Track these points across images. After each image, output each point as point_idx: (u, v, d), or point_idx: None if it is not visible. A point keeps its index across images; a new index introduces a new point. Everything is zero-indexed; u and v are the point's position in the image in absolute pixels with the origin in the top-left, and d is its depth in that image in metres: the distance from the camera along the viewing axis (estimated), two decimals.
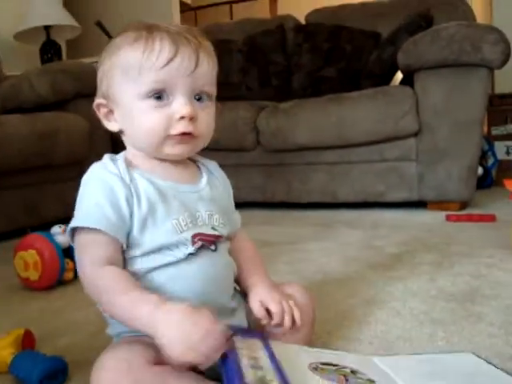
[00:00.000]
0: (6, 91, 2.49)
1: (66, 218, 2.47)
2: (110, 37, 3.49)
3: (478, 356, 0.82)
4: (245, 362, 0.61)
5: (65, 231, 1.43)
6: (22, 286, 1.41)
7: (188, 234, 0.74)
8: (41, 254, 1.34)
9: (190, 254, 0.74)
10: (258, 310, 0.78)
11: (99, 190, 0.72)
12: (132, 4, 4.25)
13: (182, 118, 0.73)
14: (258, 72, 2.91)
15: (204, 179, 0.83)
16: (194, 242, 0.75)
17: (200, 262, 0.75)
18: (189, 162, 0.84)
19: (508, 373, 0.76)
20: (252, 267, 0.86)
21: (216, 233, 0.79)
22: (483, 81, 2.16)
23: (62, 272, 1.37)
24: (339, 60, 2.72)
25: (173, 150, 0.76)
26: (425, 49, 2.15)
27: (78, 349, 0.97)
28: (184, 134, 0.74)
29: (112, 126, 0.80)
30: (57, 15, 3.32)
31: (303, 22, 3.14)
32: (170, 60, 0.72)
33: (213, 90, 0.78)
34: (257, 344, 0.68)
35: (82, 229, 0.71)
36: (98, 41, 3.72)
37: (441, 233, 1.81)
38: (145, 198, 0.73)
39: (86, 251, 0.71)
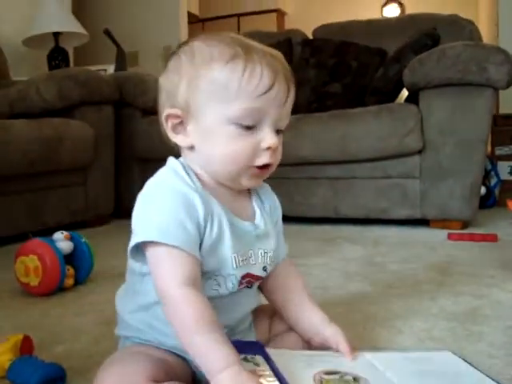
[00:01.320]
0: (13, 96, 2.51)
1: (69, 224, 2.50)
2: (117, 45, 3.52)
3: (455, 354, 0.85)
4: None
5: (69, 238, 1.43)
6: (22, 291, 1.41)
7: (239, 272, 0.72)
8: (42, 259, 1.34)
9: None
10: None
11: (178, 202, 0.67)
12: (140, 14, 4.29)
13: (269, 148, 0.70)
14: None
15: (258, 214, 0.79)
16: (241, 283, 0.74)
17: (233, 298, 0.75)
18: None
19: (485, 374, 0.78)
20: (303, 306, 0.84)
21: (264, 274, 0.78)
22: (488, 101, 2.17)
23: (62, 278, 1.37)
24: (345, 76, 2.73)
25: (249, 182, 0.73)
26: (431, 67, 2.16)
27: (76, 356, 0.97)
28: (265, 165, 0.71)
29: (181, 139, 0.73)
30: (66, 22, 3.34)
31: (310, 36, 3.16)
32: (270, 88, 0.68)
33: (288, 121, 0.76)
34: (258, 358, 0.68)
35: (157, 243, 0.65)
36: (105, 49, 3.76)
37: (442, 251, 1.81)
38: (217, 223, 0.70)
39: (166, 267, 0.66)
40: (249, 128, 0.69)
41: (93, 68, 3.34)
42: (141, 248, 0.68)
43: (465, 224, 2.25)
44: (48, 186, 2.31)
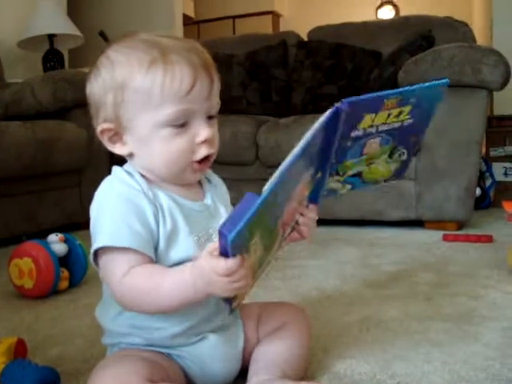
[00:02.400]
0: (8, 98, 2.49)
1: (63, 226, 2.48)
2: None
3: None
4: None
5: (64, 240, 1.43)
6: (16, 294, 1.40)
7: None
8: (36, 262, 1.34)
9: None
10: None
11: (124, 206, 0.69)
12: (135, 15, 4.29)
13: (205, 141, 0.72)
14: (259, 87, 2.92)
15: (207, 193, 0.81)
16: None
17: None
18: None
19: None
20: None
21: None
22: (482, 102, 2.17)
23: (56, 281, 1.36)
24: (340, 77, 2.73)
25: (194, 176, 0.76)
26: (425, 69, 2.16)
27: (70, 359, 0.97)
28: (206, 157, 0.73)
29: (119, 149, 0.75)
30: (61, 24, 3.33)
31: (306, 38, 3.16)
32: (192, 87, 0.69)
33: (219, 105, 0.77)
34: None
35: (110, 248, 0.68)
36: (100, 50, 3.75)
37: (438, 252, 1.81)
38: (169, 215, 0.72)
39: (115, 270, 0.68)
40: (181, 126, 0.71)
41: (88, 70, 3.33)
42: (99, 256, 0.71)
43: (460, 225, 2.26)
44: (42, 188, 2.30)
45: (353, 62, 2.73)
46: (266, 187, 0.58)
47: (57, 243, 1.41)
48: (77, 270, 1.45)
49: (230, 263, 0.58)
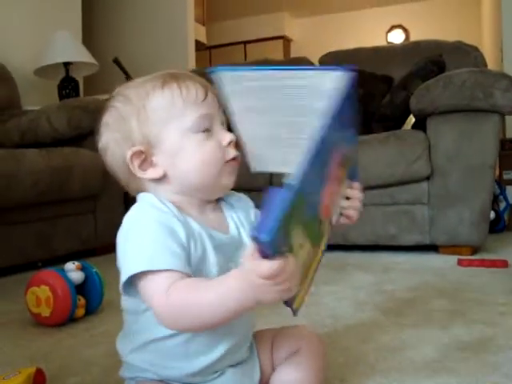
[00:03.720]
0: (24, 126, 2.54)
1: (78, 252, 2.50)
2: (126, 74, 3.57)
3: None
4: None
5: (80, 268, 1.44)
6: (33, 322, 1.41)
7: None
8: (53, 290, 1.35)
9: None
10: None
11: (159, 229, 0.68)
12: (149, 42, 4.36)
13: (230, 143, 0.76)
14: None
15: (231, 224, 0.80)
16: None
17: None
18: (213, 200, 0.81)
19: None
20: None
21: None
22: (495, 126, 2.18)
23: (73, 309, 1.37)
24: None
25: (230, 178, 0.77)
26: (437, 94, 2.18)
27: None
28: (234, 158, 0.76)
29: (151, 173, 0.75)
30: (76, 52, 3.39)
31: (317, 63, 3.19)
32: (206, 95, 0.75)
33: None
34: None
35: (150, 272, 0.66)
36: (115, 78, 3.81)
37: (453, 278, 1.80)
38: (199, 241, 0.72)
39: (157, 290, 0.65)
40: (207, 131, 0.75)
41: (102, 97, 3.37)
42: (134, 283, 0.69)
43: (474, 249, 2.24)
44: (58, 215, 2.32)
45: (364, 88, 2.75)
46: (294, 175, 0.55)
47: (74, 271, 1.42)
48: (93, 298, 1.45)
49: (271, 265, 0.54)
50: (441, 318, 1.34)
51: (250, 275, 0.57)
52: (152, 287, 0.66)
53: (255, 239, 0.53)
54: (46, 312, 1.36)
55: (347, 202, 0.79)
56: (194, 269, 0.70)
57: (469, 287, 1.65)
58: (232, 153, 0.76)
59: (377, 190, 2.31)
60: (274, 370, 0.84)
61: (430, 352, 1.09)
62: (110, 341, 1.23)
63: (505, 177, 3.15)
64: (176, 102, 0.73)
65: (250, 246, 0.56)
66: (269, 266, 0.54)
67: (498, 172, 3.01)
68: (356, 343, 1.16)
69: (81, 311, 1.42)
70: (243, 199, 0.86)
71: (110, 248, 2.57)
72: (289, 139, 0.80)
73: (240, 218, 0.82)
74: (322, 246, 0.71)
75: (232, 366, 0.78)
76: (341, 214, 0.80)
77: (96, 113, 2.48)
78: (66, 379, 1.02)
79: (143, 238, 0.69)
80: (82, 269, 1.45)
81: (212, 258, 0.73)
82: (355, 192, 0.81)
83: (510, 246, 2.40)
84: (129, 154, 0.74)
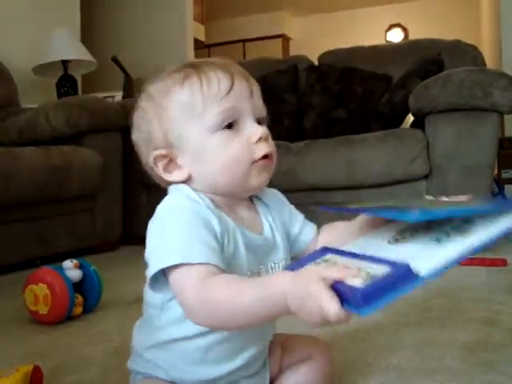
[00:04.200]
0: (22, 124, 2.54)
1: (77, 250, 2.50)
2: (125, 72, 3.57)
3: None
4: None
5: (78, 266, 1.44)
6: (31, 319, 1.41)
7: None
8: (51, 288, 1.35)
9: None
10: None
11: (194, 220, 0.65)
12: (147, 40, 4.35)
13: (260, 139, 0.70)
14: (271, 111, 2.93)
15: (265, 225, 0.76)
16: None
17: None
18: (247, 199, 0.78)
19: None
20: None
21: None
22: (493, 125, 2.18)
23: (71, 307, 1.37)
24: (350, 101, 2.76)
25: (259, 178, 0.71)
26: (436, 93, 2.18)
27: None
28: (265, 156, 0.70)
29: (176, 175, 0.72)
30: (74, 50, 3.39)
31: (316, 62, 3.19)
32: (231, 87, 0.69)
33: (266, 112, 0.75)
34: (329, 256, 0.62)
35: (184, 265, 0.62)
36: (113, 76, 3.81)
37: (451, 277, 1.79)
38: (232, 239, 0.68)
39: (189, 284, 0.61)
40: (231, 127, 0.69)
41: (101, 95, 3.38)
42: (161, 276, 0.65)
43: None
44: (56, 213, 2.33)
45: (363, 86, 2.75)
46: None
47: (71, 269, 1.42)
48: (91, 296, 1.45)
49: (341, 314, 0.49)
50: (439, 316, 1.34)
51: (309, 298, 0.51)
52: (185, 281, 0.61)
53: (357, 297, 0.48)
54: (43, 310, 1.36)
55: None
56: (226, 265, 0.65)
57: (467, 286, 1.65)
58: (262, 150, 0.70)
59: (375, 188, 2.31)
60: (281, 371, 0.83)
61: (428, 351, 1.09)
62: (108, 339, 1.23)
63: (503, 176, 3.15)
64: (195, 98, 0.69)
65: (333, 271, 0.51)
66: (338, 313, 0.49)
67: (496, 171, 3.01)
68: (354, 343, 1.16)
69: (79, 309, 1.42)
70: (278, 197, 0.83)
71: (108, 246, 2.58)
72: None
73: (275, 218, 0.78)
74: None
75: (245, 377, 0.76)
76: None
77: (94, 111, 2.50)
78: (63, 377, 1.02)
79: (178, 229, 0.64)
80: (80, 267, 1.45)
81: (243, 256, 0.69)
82: None
83: (508, 245, 2.40)
84: (151, 157, 0.72)
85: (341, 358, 1.06)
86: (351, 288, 0.49)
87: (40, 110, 2.56)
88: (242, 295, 0.58)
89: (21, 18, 3.36)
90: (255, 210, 0.78)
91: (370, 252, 0.58)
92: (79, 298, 1.42)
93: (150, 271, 0.64)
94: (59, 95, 3.36)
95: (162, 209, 0.69)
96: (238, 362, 0.72)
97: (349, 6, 7.18)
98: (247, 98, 0.70)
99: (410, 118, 2.61)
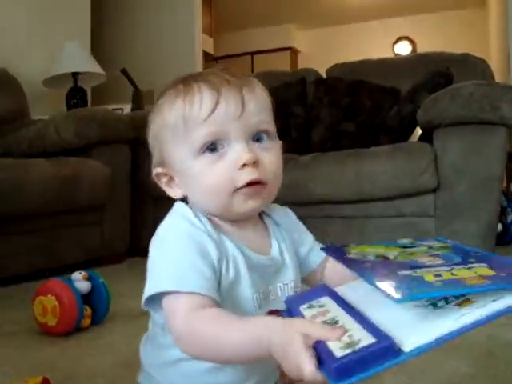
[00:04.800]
0: (32, 135, 2.56)
1: (85, 262, 2.50)
2: (133, 84, 3.59)
3: None
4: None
5: (87, 278, 1.44)
6: (39, 331, 1.41)
7: (261, 311, 0.69)
8: (60, 299, 1.35)
9: None
10: None
11: (189, 246, 0.64)
12: (156, 53, 4.39)
13: (244, 165, 0.65)
14: (279, 124, 2.94)
15: (274, 244, 0.74)
16: None
17: None
18: (255, 217, 0.75)
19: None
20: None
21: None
22: (502, 139, 2.17)
23: (79, 319, 1.38)
24: (358, 115, 2.76)
25: (244, 206, 0.67)
26: (444, 106, 2.18)
27: None
28: (251, 183, 0.66)
29: (175, 192, 0.73)
30: (84, 63, 3.42)
31: (324, 75, 3.21)
32: (214, 107, 0.65)
33: (271, 126, 0.71)
34: (324, 300, 0.61)
35: (174, 292, 0.62)
36: (122, 88, 3.84)
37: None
38: (232, 264, 0.67)
39: (179, 312, 0.61)
40: (215, 151, 0.66)
41: (110, 107, 3.40)
42: (157, 299, 0.65)
43: None
44: (64, 224, 2.34)
45: (371, 99, 2.75)
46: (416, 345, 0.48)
47: (80, 281, 1.43)
48: (99, 308, 1.46)
49: (319, 377, 0.49)
50: None
51: (289, 353, 0.51)
52: (175, 308, 0.62)
53: (331, 369, 0.47)
54: (52, 321, 1.36)
55: None
56: (226, 293, 0.65)
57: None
58: (246, 178, 0.65)
59: (383, 201, 2.31)
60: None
61: (437, 369, 1.09)
62: (115, 351, 1.24)
63: None
64: (178, 122, 0.68)
65: (318, 330, 0.51)
66: (314, 374, 0.49)
67: (505, 184, 3.00)
68: None
69: (87, 321, 1.43)
70: (289, 215, 0.81)
71: (116, 258, 2.59)
72: None
73: (285, 237, 0.76)
74: None
75: None
76: None
77: (104, 123, 2.51)
78: None
79: (173, 255, 0.64)
80: (89, 279, 1.46)
81: (246, 279, 0.67)
82: None
83: None
84: (153, 173, 0.73)
85: None
86: (329, 354, 0.49)
87: (50, 121, 2.59)
88: (229, 332, 0.57)
89: (32, 31, 3.41)
90: (264, 227, 0.76)
91: (364, 304, 0.57)
92: (88, 310, 1.43)
93: (145, 293, 0.65)
94: (69, 107, 3.38)
95: (160, 230, 0.69)
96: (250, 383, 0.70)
97: (357, 19, 7.21)
98: (234, 119, 0.66)
99: (418, 131, 2.61)
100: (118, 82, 3.82)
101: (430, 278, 0.52)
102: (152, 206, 2.76)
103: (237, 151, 0.66)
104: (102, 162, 2.46)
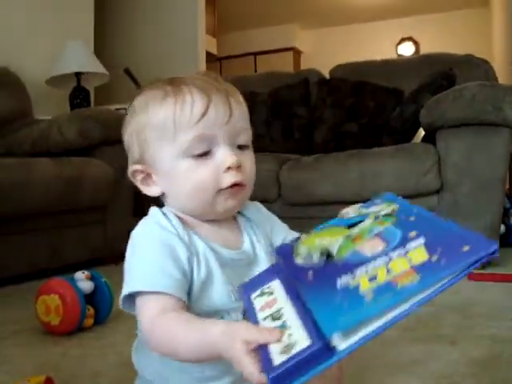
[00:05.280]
0: (35, 135, 2.56)
1: (87, 262, 2.50)
2: (137, 84, 3.59)
3: None
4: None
5: (90, 278, 1.45)
6: (42, 330, 1.42)
7: (240, 305, 0.70)
8: (63, 299, 1.36)
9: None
10: None
11: (159, 249, 0.68)
12: (160, 53, 4.39)
13: (229, 168, 0.70)
14: (282, 125, 2.96)
15: (246, 239, 0.77)
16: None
17: None
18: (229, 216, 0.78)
19: None
20: None
21: None
22: (505, 140, 2.17)
23: (82, 318, 1.38)
24: (362, 115, 2.76)
25: (226, 205, 0.72)
26: (447, 107, 2.18)
27: None
28: (234, 185, 0.70)
29: (152, 190, 0.76)
30: (88, 63, 3.43)
31: (327, 75, 3.20)
32: (205, 111, 0.68)
33: (250, 135, 0.75)
34: (274, 285, 0.64)
35: (144, 293, 0.66)
36: (126, 88, 3.84)
37: (463, 292, 1.78)
38: (204, 263, 0.70)
39: (147, 312, 0.65)
40: (203, 155, 0.70)
41: (113, 107, 3.41)
42: (134, 300, 0.69)
43: (485, 264, 2.23)
44: (67, 224, 2.34)
45: (374, 100, 2.75)
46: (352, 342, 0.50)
47: (83, 280, 1.43)
48: (102, 308, 1.46)
49: (264, 380, 0.50)
50: (450, 333, 1.33)
51: (233, 358, 0.54)
52: (144, 307, 0.66)
53: (267, 373, 0.49)
54: (55, 320, 1.37)
55: None
56: (200, 291, 0.69)
57: (478, 302, 1.64)
58: (230, 180, 0.70)
59: None
60: None
61: (438, 368, 1.09)
62: (118, 351, 1.24)
63: None
64: (168, 123, 0.70)
65: (257, 336, 0.53)
66: (259, 378, 0.51)
67: (508, 185, 2.99)
68: (364, 358, 1.15)
69: (90, 321, 1.43)
70: (260, 210, 0.84)
71: (119, 258, 2.58)
72: None
73: (256, 232, 0.79)
74: None
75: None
76: None
77: (107, 123, 2.52)
78: None
79: (142, 258, 0.69)
80: (92, 278, 1.46)
81: (219, 276, 0.70)
82: None
83: None
84: (130, 170, 0.76)
85: (351, 372, 1.05)
86: (267, 361, 0.50)
87: (53, 121, 2.59)
88: (187, 333, 0.61)
89: (35, 30, 3.41)
90: (237, 224, 0.79)
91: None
92: (90, 310, 1.43)
93: (121, 295, 0.69)
94: (72, 107, 3.39)
95: (133, 235, 0.72)
96: (231, 376, 0.71)
97: (360, 19, 7.22)
98: (223, 124, 0.70)
99: (421, 132, 2.61)
100: (121, 82, 3.83)
101: (365, 284, 0.52)
102: (154, 206, 2.75)
103: (222, 154, 0.70)
104: (105, 162, 2.46)
